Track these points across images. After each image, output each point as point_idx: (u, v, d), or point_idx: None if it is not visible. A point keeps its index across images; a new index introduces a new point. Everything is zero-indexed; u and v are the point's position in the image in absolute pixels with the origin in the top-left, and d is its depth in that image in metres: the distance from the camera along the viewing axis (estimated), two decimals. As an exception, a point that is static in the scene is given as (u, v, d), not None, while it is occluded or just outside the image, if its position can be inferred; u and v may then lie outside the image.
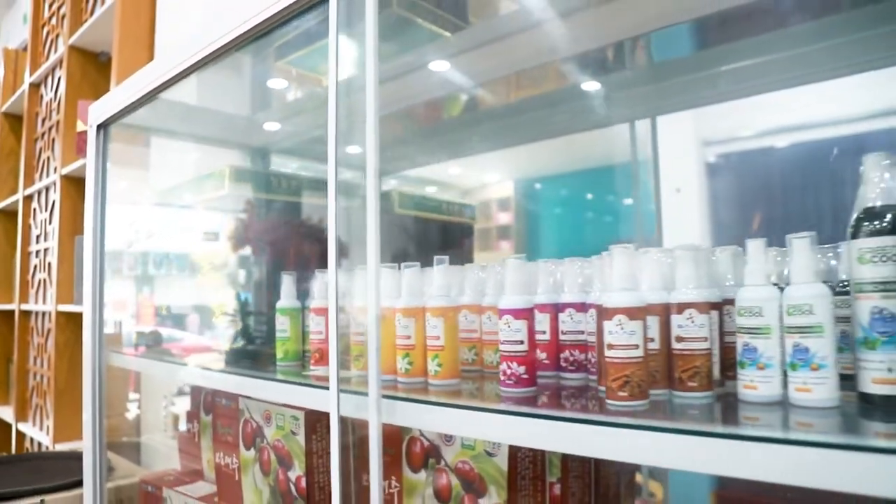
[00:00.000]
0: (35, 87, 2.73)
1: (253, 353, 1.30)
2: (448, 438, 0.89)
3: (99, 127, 1.38)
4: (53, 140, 2.46)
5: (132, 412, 2.06)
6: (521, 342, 0.74)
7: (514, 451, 0.83)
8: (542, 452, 0.87)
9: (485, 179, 1.74)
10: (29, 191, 2.66)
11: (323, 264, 0.88)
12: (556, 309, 0.83)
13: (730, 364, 0.69)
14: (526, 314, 0.75)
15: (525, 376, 0.74)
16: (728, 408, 0.65)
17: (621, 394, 0.63)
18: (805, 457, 0.47)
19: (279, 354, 1.12)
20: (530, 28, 1.17)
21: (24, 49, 2.94)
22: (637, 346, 0.63)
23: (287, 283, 1.13)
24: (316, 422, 1.05)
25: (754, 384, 0.62)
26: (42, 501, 1.50)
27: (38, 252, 2.56)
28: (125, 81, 1.31)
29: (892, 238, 0.56)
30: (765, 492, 0.94)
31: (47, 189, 2.48)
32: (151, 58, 1.99)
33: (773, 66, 1.08)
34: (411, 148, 1.70)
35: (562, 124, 1.48)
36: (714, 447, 0.52)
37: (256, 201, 1.71)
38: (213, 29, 1.03)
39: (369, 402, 0.75)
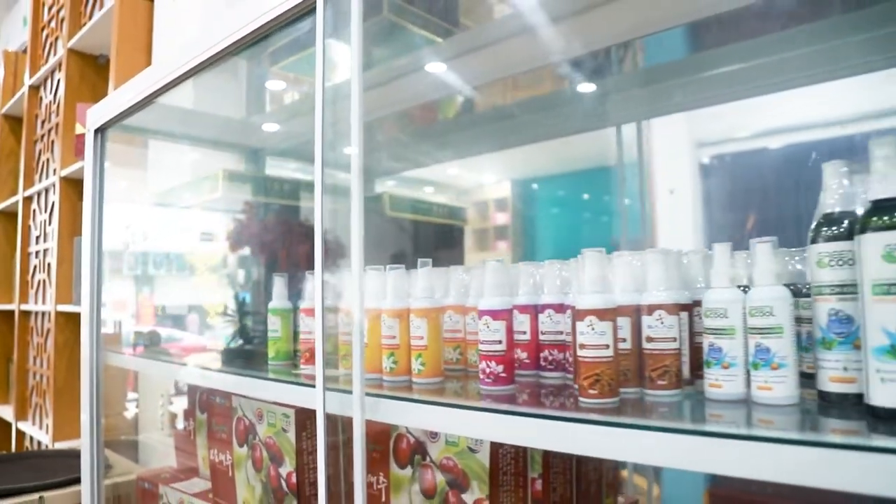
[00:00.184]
0: (34, 89, 2.75)
1: (248, 353, 1.33)
2: (433, 435, 0.92)
3: (97, 131, 1.41)
4: (53, 142, 2.49)
5: (131, 411, 2.09)
6: (500, 342, 0.77)
7: (496, 448, 0.86)
8: (524, 448, 0.89)
9: (482, 180, 1.77)
10: (29, 192, 2.68)
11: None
12: (536, 310, 0.86)
13: (699, 363, 0.72)
14: (504, 315, 0.78)
15: (503, 375, 0.77)
16: (695, 405, 0.67)
17: (592, 392, 0.66)
18: (761, 451, 0.50)
19: (271, 354, 1.15)
20: (523, 33, 1.20)
21: (24, 51, 2.96)
22: (607, 346, 0.66)
23: (278, 284, 1.15)
24: (306, 419, 1.08)
25: (719, 383, 0.65)
26: (41, 498, 1.53)
27: (37, 253, 2.58)
28: (122, 86, 1.33)
29: (849, 243, 0.59)
30: (758, 490, 0.97)
31: (47, 190, 2.50)
32: (149, 60, 2.01)
33: (765, 70, 1.11)
34: (409, 149, 1.73)
35: (558, 126, 1.50)
36: (679, 443, 0.55)
37: (251, 203, 1.73)
38: (207, 36, 1.06)
39: (353, 399, 0.77)
